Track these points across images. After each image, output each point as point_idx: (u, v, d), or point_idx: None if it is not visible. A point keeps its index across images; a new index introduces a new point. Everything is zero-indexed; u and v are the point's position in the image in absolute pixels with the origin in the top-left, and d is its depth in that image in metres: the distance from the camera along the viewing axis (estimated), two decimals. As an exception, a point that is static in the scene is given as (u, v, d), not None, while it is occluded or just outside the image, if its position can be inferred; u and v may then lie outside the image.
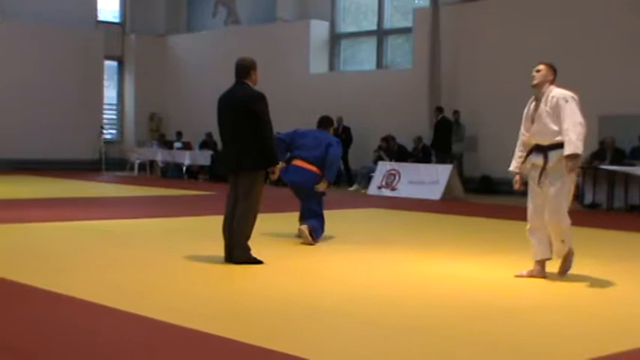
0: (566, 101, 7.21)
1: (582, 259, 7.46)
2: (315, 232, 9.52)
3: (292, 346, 4.87)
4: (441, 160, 18.75)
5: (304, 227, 9.46)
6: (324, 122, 10.16)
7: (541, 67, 7.47)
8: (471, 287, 7.10)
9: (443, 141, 19.22)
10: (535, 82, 7.41)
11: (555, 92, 7.31)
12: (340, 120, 21.14)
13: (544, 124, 7.30)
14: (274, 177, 8.12)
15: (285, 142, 9.70)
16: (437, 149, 19.30)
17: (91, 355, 4.66)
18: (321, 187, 9.62)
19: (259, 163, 7.90)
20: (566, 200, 7.29)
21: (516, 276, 7.53)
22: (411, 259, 8.55)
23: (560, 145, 7.19)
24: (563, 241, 7.31)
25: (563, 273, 7.46)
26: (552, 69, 7.47)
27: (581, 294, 6.89)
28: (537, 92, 7.42)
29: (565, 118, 7.15)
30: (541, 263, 7.50)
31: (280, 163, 8.29)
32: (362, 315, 5.89)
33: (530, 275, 7.49)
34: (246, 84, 8.03)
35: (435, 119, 19.42)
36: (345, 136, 21.12)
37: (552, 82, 7.43)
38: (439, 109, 19.44)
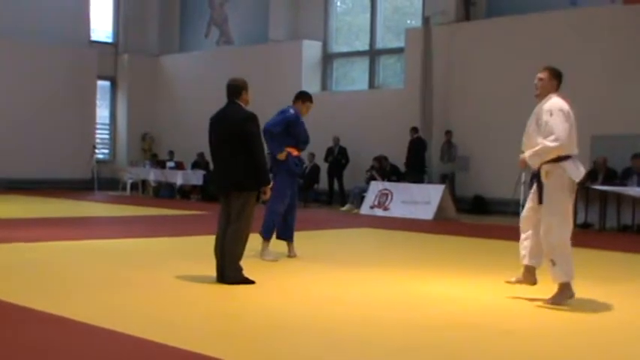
0: (551, 114, 7.00)
1: (576, 279, 7.41)
2: (265, 231, 9.74)
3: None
4: (416, 180, 18.76)
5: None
6: (295, 97, 10.14)
7: (542, 75, 7.23)
8: (463, 308, 7.08)
9: (416, 160, 19.43)
10: (536, 93, 7.22)
11: (547, 105, 7.07)
12: (337, 140, 21.19)
13: (531, 138, 7.15)
14: (265, 197, 8.13)
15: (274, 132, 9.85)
16: (410, 169, 19.45)
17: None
18: (280, 156, 9.74)
19: (251, 183, 7.90)
20: (556, 219, 7.06)
21: (506, 282, 7.50)
22: (403, 280, 8.53)
23: (548, 160, 7.08)
24: (552, 262, 7.07)
25: (549, 302, 7.14)
26: (554, 75, 7.22)
27: (573, 315, 6.87)
28: (539, 102, 7.22)
29: (548, 133, 6.97)
30: (527, 269, 7.40)
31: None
32: (354, 336, 5.86)
33: (518, 281, 7.45)
34: (237, 104, 8.04)
35: (410, 138, 19.57)
36: (341, 156, 21.18)
37: (556, 90, 7.20)
38: (414, 129, 19.65)
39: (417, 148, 19.51)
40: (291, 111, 9.89)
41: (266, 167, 8.04)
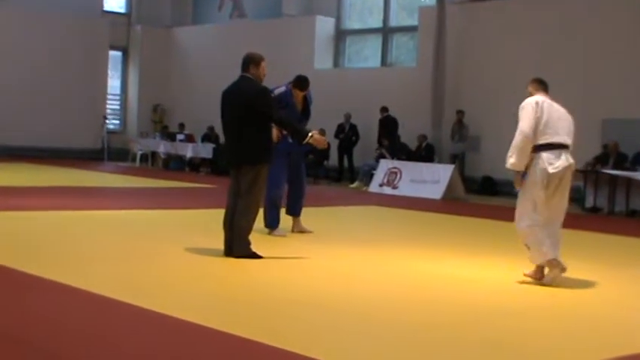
0: (521, 109, 7.25)
1: (582, 263, 7.44)
2: (268, 224, 9.67)
3: (292, 342, 4.85)
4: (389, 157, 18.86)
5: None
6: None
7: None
8: (470, 288, 7.10)
9: (388, 139, 19.60)
10: None
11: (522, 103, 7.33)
12: (349, 117, 21.12)
13: None
14: (324, 145, 8.32)
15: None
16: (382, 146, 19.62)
17: (92, 346, 4.66)
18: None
19: (261, 157, 7.91)
20: (526, 206, 7.21)
21: (524, 274, 7.51)
22: (410, 258, 8.53)
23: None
24: (527, 247, 7.24)
25: (544, 281, 7.19)
26: (532, 83, 7.48)
27: (580, 298, 6.88)
28: None
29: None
30: (536, 266, 7.47)
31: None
32: (362, 312, 5.88)
33: (529, 275, 7.47)
34: (249, 78, 7.99)
35: (380, 117, 19.76)
36: (351, 133, 21.14)
37: (538, 91, 7.38)
38: (384, 109, 19.93)
39: (388, 127, 19.74)
40: (283, 88, 9.75)
41: (294, 124, 8.31)
